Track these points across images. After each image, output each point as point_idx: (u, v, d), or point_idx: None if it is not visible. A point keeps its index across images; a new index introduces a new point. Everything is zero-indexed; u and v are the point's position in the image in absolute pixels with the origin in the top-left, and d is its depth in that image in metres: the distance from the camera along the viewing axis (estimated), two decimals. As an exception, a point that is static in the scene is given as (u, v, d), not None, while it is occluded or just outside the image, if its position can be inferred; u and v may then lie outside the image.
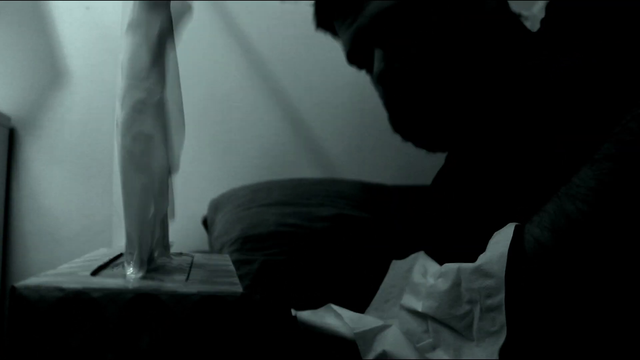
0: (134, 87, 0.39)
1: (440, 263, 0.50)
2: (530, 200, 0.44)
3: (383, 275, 0.61)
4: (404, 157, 1.16)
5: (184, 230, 1.10)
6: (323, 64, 1.26)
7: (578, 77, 0.50)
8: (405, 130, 0.65)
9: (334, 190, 0.96)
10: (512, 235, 0.41)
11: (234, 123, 1.26)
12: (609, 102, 0.46)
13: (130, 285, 0.34)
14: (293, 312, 0.52)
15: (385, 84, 0.63)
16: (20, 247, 1.22)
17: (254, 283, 0.73)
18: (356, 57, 0.67)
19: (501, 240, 0.41)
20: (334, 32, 0.71)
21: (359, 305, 0.58)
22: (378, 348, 0.45)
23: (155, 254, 0.41)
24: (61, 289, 0.33)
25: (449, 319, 0.43)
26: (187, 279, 0.40)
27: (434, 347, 0.45)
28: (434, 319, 0.45)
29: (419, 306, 0.47)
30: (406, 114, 0.63)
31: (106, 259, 0.45)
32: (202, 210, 1.09)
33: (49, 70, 1.25)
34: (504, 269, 0.39)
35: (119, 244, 0.45)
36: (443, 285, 0.44)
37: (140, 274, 0.38)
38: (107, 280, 0.36)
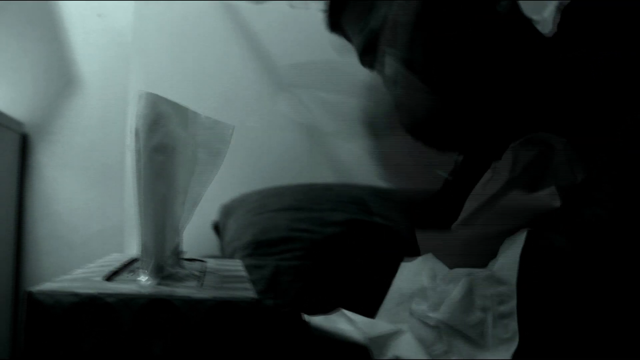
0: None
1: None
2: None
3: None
4: (414, 162, 1.16)
5: (195, 235, 1.10)
6: (334, 68, 1.25)
7: (594, 82, 0.49)
8: (417, 131, 0.64)
9: (345, 195, 0.96)
10: (524, 241, 0.40)
11: (245, 128, 1.26)
12: (623, 105, 0.46)
13: (144, 291, 0.34)
14: (305, 317, 0.52)
15: (397, 88, 0.62)
16: (33, 252, 1.23)
17: (267, 288, 0.73)
18: (369, 58, 0.67)
19: (513, 246, 0.41)
20: (346, 35, 0.71)
21: (370, 309, 0.57)
22: (390, 353, 0.45)
23: (169, 261, 0.41)
24: (76, 294, 0.33)
25: (462, 327, 0.43)
26: (200, 284, 0.40)
27: (446, 353, 0.44)
28: (446, 325, 0.44)
29: (430, 314, 0.46)
30: (418, 115, 0.63)
31: (119, 265, 0.45)
32: (213, 215, 1.09)
33: (61, 77, 1.26)
34: (516, 276, 0.39)
35: (131, 249, 0.45)
36: (455, 292, 0.43)
37: (155, 282, 0.38)
38: (121, 286, 0.36)
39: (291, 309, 0.65)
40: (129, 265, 0.46)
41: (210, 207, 1.10)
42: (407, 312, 0.51)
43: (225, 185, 1.20)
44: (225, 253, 0.91)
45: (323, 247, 0.81)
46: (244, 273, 0.48)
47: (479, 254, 0.48)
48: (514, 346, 0.38)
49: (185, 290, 0.36)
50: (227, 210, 1.01)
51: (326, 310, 0.53)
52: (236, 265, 0.53)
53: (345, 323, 0.49)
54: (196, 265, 0.51)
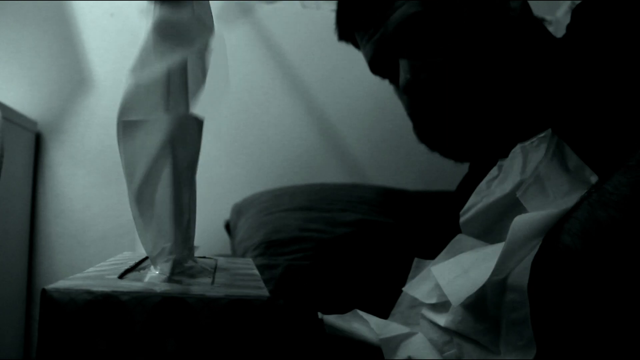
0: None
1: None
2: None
3: (405, 281, 0.60)
4: (426, 163, 1.16)
5: (207, 234, 1.11)
6: (348, 70, 1.26)
7: (607, 86, 0.49)
8: (432, 141, 0.65)
9: (356, 196, 0.96)
10: (537, 245, 0.40)
11: (257, 128, 1.27)
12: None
13: (157, 289, 0.34)
14: (320, 315, 0.52)
15: (411, 95, 0.62)
16: (46, 249, 1.24)
17: (278, 288, 0.73)
18: (380, 67, 0.67)
19: (525, 251, 0.41)
20: (356, 44, 0.71)
21: (382, 310, 0.57)
22: (403, 354, 0.45)
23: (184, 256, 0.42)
24: (90, 292, 0.33)
25: (474, 333, 0.42)
26: (213, 282, 0.40)
27: (459, 358, 0.44)
28: (456, 331, 0.44)
29: (441, 320, 0.46)
30: (432, 124, 0.63)
31: (132, 263, 0.45)
32: (225, 214, 1.09)
33: (74, 76, 1.27)
34: (527, 282, 0.38)
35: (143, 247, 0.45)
36: (466, 299, 0.43)
37: (168, 277, 0.38)
38: (134, 284, 0.36)
39: (305, 307, 0.65)
40: (141, 263, 0.46)
41: (222, 206, 1.11)
42: (419, 315, 0.51)
43: (237, 184, 1.21)
44: (236, 252, 0.92)
45: (334, 247, 0.81)
46: (255, 271, 0.48)
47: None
48: (530, 354, 0.38)
49: (198, 288, 0.36)
50: (239, 210, 1.02)
51: (337, 310, 0.54)
52: (247, 264, 0.53)
53: (359, 323, 0.49)
54: (207, 262, 0.51)
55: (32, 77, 1.25)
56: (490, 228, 0.49)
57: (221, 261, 0.54)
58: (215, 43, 0.42)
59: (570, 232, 0.39)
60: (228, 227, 1.07)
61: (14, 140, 1.12)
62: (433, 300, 0.47)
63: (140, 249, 0.45)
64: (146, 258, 0.48)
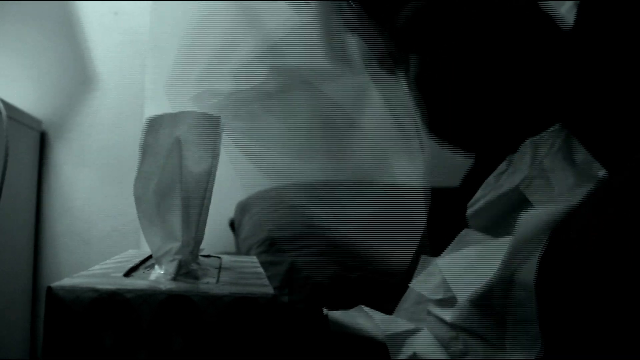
0: None
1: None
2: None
3: (411, 277, 0.60)
4: (431, 159, 1.15)
5: (211, 232, 1.11)
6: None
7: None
8: (441, 130, 0.64)
9: (361, 192, 0.96)
10: (545, 241, 0.39)
11: (260, 126, 1.27)
12: None
13: (162, 287, 0.35)
14: (325, 311, 0.52)
15: (423, 88, 0.62)
16: (51, 248, 1.25)
17: (283, 284, 0.73)
18: (389, 62, 0.66)
19: (533, 247, 0.40)
20: (364, 37, 0.70)
21: (388, 306, 0.57)
22: (408, 350, 0.44)
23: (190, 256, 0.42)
24: (95, 290, 0.33)
25: (479, 329, 0.42)
26: (217, 280, 0.40)
27: (464, 354, 0.44)
28: (462, 327, 0.44)
29: (447, 315, 0.46)
30: (442, 114, 0.62)
31: (137, 261, 0.45)
32: (229, 212, 1.09)
33: (79, 75, 1.28)
34: (534, 279, 0.38)
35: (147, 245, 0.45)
36: (473, 294, 0.43)
37: (173, 277, 0.38)
38: (139, 282, 0.36)
39: (310, 304, 0.65)
40: (146, 261, 0.46)
41: (226, 204, 1.11)
42: (425, 311, 0.51)
43: (241, 183, 1.20)
44: (240, 250, 0.92)
45: (339, 244, 0.81)
46: (260, 269, 0.48)
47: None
48: (535, 351, 0.38)
49: (203, 286, 0.36)
50: (243, 207, 1.02)
51: (342, 307, 0.53)
52: (252, 262, 0.54)
53: (364, 319, 0.49)
54: (212, 261, 0.51)
55: (36, 76, 1.26)
56: (497, 221, 0.49)
57: (225, 259, 0.54)
58: None
59: (577, 229, 0.39)
60: (232, 225, 1.07)
61: (19, 139, 1.13)
62: (439, 296, 0.47)
63: (145, 248, 0.46)
64: (151, 256, 0.49)
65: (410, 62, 0.61)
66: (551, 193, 0.44)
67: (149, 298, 0.34)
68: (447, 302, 0.46)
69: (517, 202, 0.47)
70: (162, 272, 0.39)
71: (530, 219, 0.40)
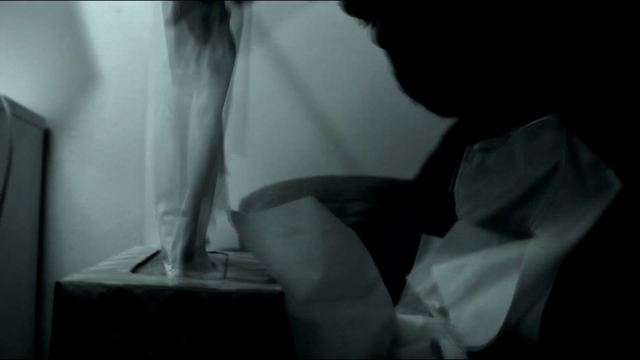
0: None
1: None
2: None
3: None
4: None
5: (216, 229, 1.11)
6: (349, 65, 1.26)
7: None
8: (413, 90, 0.60)
9: (364, 186, 0.96)
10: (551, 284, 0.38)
11: (263, 124, 1.27)
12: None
13: (170, 283, 0.35)
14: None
15: (386, 47, 0.58)
16: (55, 245, 1.25)
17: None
18: (356, 7, 0.61)
19: (539, 291, 0.39)
20: (364, 15, 0.66)
21: (393, 297, 0.57)
22: (424, 341, 0.43)
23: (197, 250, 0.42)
24: (104, 286, 0.33)
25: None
26: (224, 277, 0.40)
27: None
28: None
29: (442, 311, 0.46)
30: (412, 72, 0.58)
31: (143, 257, 0.46)
32: (233, 209, 1.09)
33: (82, 73, 1.28)
34: (537, 333, 0.37)
35: (151, 242, 0.45)
36: (476, 346, 0.42)
37: (181, 271, 0.38)
38: (147, 278, 0.36)
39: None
40: (153, 257, 0.47)
41: (231, 201, 1.11)
42: (424, 306, 0.51)
43: (244, 179, 1.21)
44: (244, 246, 0.92)
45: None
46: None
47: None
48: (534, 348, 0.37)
49: (210, 282, 0.36)
50: (247, 204, 1.02)
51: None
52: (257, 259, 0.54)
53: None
54: (218, 257, 0.51)
55: (39, 74, 1.26)
56: (493, 218, 0.47)
57: (232, 256, 0.54)
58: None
59: (591, 235, 0.37)
60: (236, 222, 1.07)
61: (23, 137, 1.13)
62: (436, 305, 0.47)
63: (150, 244, 0.46)
64: (157, 252, 0.49)
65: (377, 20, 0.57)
66: (562, 224, 0.40)
67: (157, 294, 0.34)
68: (442, 312, 0.46)
69: (514, 200, 0.45)
70: (169, 267, 0.39)
71: (535, 258, 0.38)
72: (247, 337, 0.34)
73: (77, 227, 1.26)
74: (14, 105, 1.04)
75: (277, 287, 0.36)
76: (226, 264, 0.47)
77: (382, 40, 0.57)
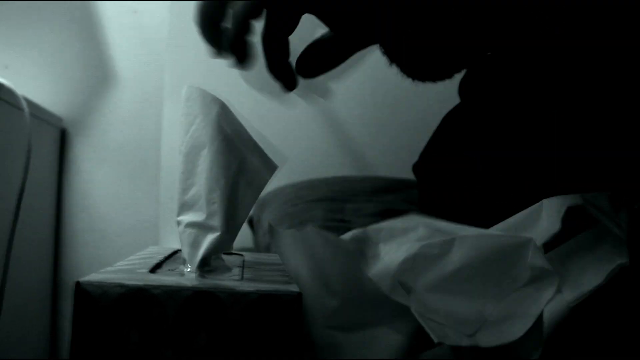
0: None
1: None
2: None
3: None
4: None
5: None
6: (361, 67, 1.25)
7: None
8: (390, 52, 0.57)
9: (379, 187, 0.95)
10: None
11: (276, 124, 1.27)
12: None
13: (188, 283, 0.35)
14: None
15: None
16: (72, 244, 1.26)
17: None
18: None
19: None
20: None
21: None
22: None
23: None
24: (123, 285, 0.33)
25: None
26: (242, 277, 0.40)
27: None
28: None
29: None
30: (396, 44, 0.56)
31: (161, 257, 0.46)
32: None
33: (98, 73, 1.29)
34: None
35: (166, 242, 0.45)
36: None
37: (199, 273, 0.38)
38: (166, 278, 0.36)
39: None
40: (170, 258, 0.47)
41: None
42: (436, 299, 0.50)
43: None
44: (260, 246, 0.92)
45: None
46: (282, 267, 0.48)
47: None
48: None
49: (228, 282, 0.36)
50: (262, 204, 1.02)
51: None
52: (274, 259, 0.54)
53: None
54: (235, 258, 0.51)
55: (57, 74, 1.27)
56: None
57: (248, 257, 0.54)
58: None
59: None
60: (251, 222, 1.07)
61: (40, 136, 1.14)
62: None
63: (165, 243, 0.46)
64: (174, 253, 0.49)
65: None
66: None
67: (175, 294, 0.34)
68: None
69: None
70: (187, 268, 0.39)
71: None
72: (265, 338, 0.34)
73: (92, 226, 1.27)
74: (32, 105, 1.05)
75: (295, 288, 0.36)
76: (243, 264, 0.47)
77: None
